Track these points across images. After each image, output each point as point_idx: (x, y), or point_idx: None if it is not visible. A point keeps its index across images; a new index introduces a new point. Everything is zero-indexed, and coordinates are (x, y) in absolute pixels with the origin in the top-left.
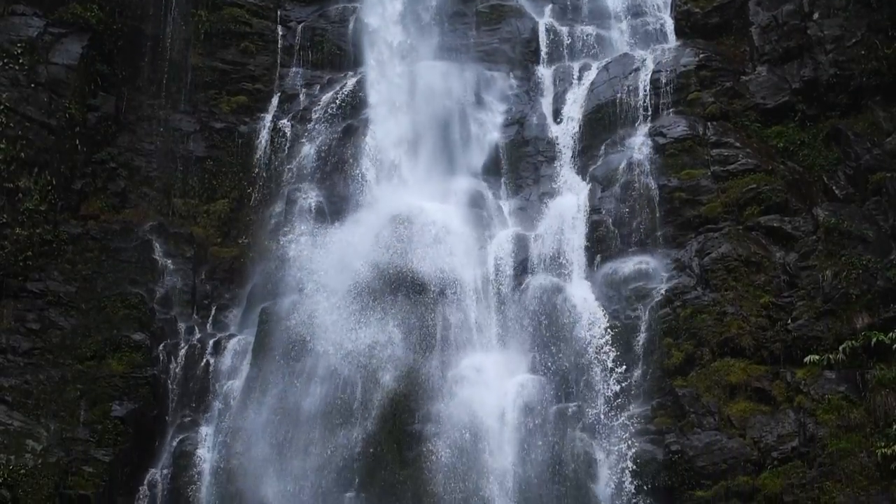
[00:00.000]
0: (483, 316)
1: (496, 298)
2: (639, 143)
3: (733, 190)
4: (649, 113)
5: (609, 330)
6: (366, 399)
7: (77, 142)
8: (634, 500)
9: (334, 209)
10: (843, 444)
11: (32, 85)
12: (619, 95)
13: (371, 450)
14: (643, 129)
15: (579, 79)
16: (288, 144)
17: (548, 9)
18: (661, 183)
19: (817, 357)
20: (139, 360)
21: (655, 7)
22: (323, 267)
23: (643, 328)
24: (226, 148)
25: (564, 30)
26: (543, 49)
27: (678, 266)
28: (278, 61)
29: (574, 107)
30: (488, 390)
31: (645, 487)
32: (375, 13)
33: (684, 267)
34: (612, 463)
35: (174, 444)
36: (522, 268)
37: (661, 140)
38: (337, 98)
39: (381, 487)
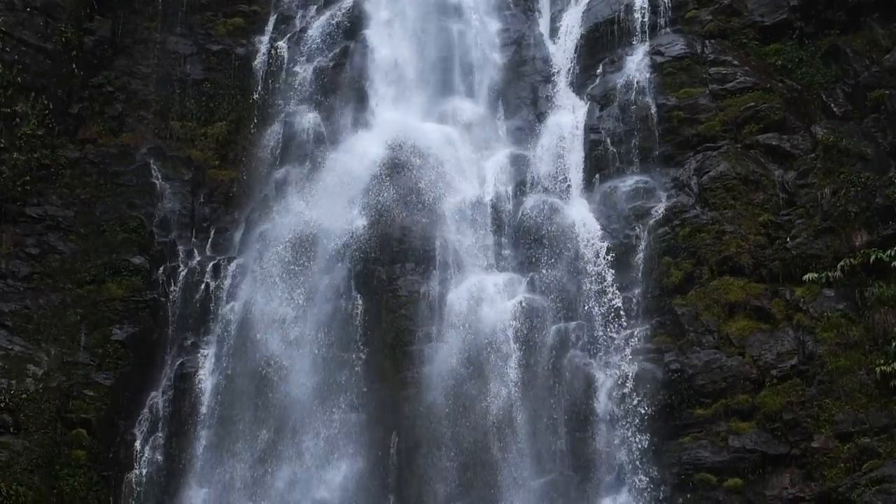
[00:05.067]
0: (481, 236)
1: (494, 218)
2: (637, 62)
3: (731, 108)
4: (647, 31)
5: (608, 249)
6: (367, 319)
7: (74, 66)
8: (634, 419)
9: (332, 130)
10: (843, 362)
11: (28, 9)
12: (616, 14)
13: (371, 369)
14: (641, 48)
15: None
16: (285, 66)
17: None
18: (660, 102)
19: (816, 275)
20: (139, 283)
21: None
22: (321, 188)
23: (642, 247)
24: (223, 70)
25: None
26: None
27: (677, 185)
28: None
29: (572, 26)
30: (488, 311)
31: (644, 406)
32: None
33: (683, 186)
34: (612, 382)
35: (175, 366)
36: (521, 187)
37: (659, 59)
38: (333, 19)
39: (382, 406)
